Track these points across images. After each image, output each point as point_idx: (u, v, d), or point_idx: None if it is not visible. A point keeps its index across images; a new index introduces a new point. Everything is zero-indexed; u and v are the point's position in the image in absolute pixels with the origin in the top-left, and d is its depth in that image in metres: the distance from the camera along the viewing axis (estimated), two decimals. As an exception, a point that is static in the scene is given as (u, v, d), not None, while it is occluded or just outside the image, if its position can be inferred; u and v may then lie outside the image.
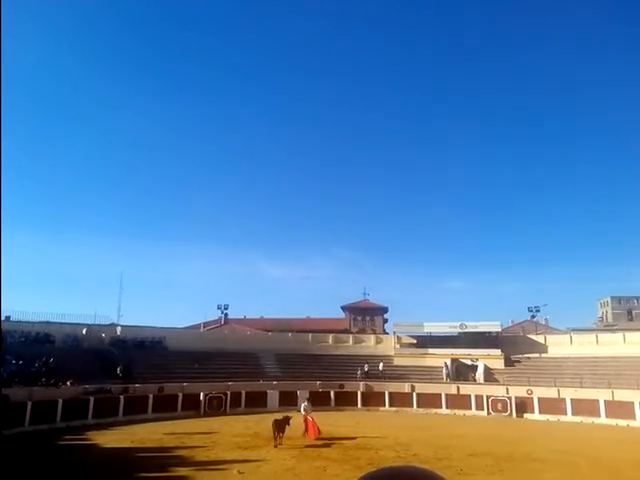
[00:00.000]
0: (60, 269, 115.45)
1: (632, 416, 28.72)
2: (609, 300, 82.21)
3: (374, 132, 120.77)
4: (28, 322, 33.94)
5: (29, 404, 23.48)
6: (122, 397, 27.81)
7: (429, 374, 38.92)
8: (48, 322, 34.77)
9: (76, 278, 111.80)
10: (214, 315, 61.29)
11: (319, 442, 20.86)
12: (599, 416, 29.76)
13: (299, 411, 23.18)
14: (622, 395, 30.18)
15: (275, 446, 19.73)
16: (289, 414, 21.79)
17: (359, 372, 38.48)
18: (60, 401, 24.80)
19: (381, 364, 39.60)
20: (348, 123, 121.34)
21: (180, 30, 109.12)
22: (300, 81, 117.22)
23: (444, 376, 38.42)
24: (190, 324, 58.14)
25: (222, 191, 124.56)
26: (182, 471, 15.51)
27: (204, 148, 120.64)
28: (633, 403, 28.99)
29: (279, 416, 21.26)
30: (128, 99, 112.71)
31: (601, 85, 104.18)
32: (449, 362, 39.31)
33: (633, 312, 78.69)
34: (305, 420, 22.13)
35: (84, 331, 35.08)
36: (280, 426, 20.43)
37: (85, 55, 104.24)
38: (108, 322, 41.19)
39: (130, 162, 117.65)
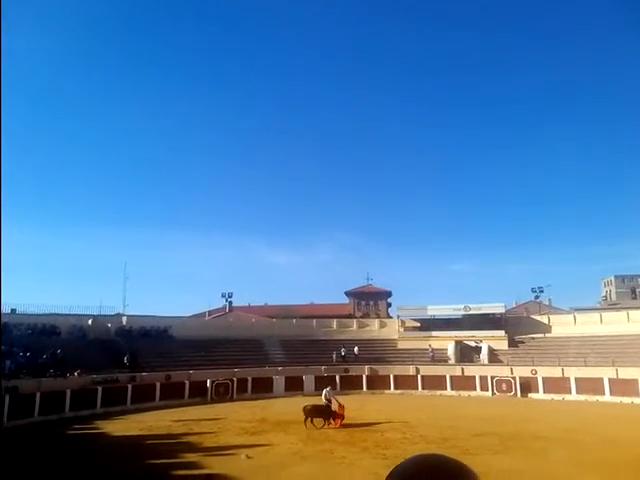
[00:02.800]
0: (64, 262, 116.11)
1: (636, 393, 28.87)
2: (612, 279, 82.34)
3: (375, 113, 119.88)
4: (34, 314, 34.14)
5: (38, 395, 23.73)
6: (130, 386, 28.09)
7: (433, 356, 39.18)
8: (54, 314, 34.97)
9: (81, 270, 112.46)
10: (219, 303, 61.64)
11: (325, 426, 21.02)
12: (603, 394, 29.93)
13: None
14: (626, 373, 30.32)
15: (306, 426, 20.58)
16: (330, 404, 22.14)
17: (334, 356, 38.63)
18: (68, 391, 25.06)
19: (356, 348, 39.68)
20: (350, 104, 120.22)
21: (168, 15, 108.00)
22: (301, 63, 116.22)
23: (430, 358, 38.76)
24: (195, 312, 58.56)
25: (223, 179, 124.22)
26: (191, 457, 15.71)
27: (204, 136, 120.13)
28: (637, 380, 29.12)
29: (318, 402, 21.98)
30: (124, 91, 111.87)
31: (606, 65, 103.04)
32: (452, 345, 39.53)
33: (637, 290, 78.80)
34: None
35: (90, 322, 35.31)
36: (314, 412, 21.07)
37: (74, 46, 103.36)
38: (113, 312, 41.43)
39: (129, 153, 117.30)
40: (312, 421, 20.92)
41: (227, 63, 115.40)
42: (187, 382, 30.59)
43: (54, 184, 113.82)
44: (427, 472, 0.83)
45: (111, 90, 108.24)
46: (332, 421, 21.07)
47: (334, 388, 26.11)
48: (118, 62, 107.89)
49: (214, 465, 14.50)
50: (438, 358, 38.93)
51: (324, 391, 22.63)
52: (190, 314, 56.29)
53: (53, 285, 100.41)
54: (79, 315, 35.84)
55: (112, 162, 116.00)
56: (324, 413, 21.23)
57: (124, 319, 38.60)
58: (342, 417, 21.42)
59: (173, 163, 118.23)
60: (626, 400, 28.74)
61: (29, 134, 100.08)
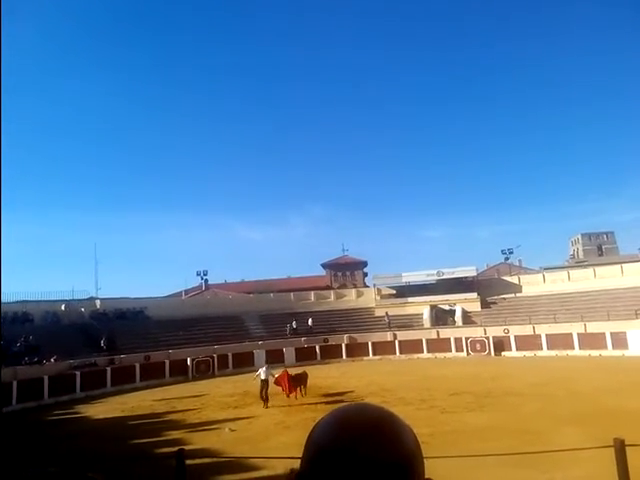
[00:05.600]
0: (33, 248, 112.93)
1: (604, 346, 30.11)
2: (580, 237, 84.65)
3: (345, 77, 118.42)
4: (4, 303, 33.30)
5: (14, 383, 23.44)
6: (109, 369, 27.90)
7: (410, 321, 40.00)
8: (25, 301, 34.22)
9: (50, 256, 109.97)
10: (194, 282, 61.40)
11: (308, 396, 21.30)
12: (573, 349, 31.13)
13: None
14: (594, 327, 31.53)
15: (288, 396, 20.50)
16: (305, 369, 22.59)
17: (288, 328, 38.88)
18: (46, 378, 24.78)
19: (310, 319, 39.88)
20: (317, 71, 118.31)
21: None
22: (272, 28, 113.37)
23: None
24: (171, 292, 58.12)
25: (190, 157, 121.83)
26: (175, 434, 15.76)
27: (170, 114, 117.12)
28: (604, 334, 30.34)
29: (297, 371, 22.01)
30: (93, 72, 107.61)
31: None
32: (427, 309, 40.35)
33: (603, 247, 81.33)
34: (278, 381, 21.01)
35: (63, 307, 34.71)
36: (297, 380, 21.20)
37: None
38: (87, 296, 40.77)
39: (95, 135, 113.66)
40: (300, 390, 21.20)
41: (192, 34, 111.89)
42: (167, 361, 30.55)
43: (18, 169, 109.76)
44: (346, 418, 0.84)
45: (77, 70, 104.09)
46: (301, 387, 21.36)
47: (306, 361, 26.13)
48: (82, 38, 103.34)
49: (197, 440, 14.59)
50: (415, 323, 39.77)
51: (261, 369, 20.53)
52: (166, 294, 55.93)
53: (22, 272, 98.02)
54: (51, 301, 35.16)
55: (78, 145, 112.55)
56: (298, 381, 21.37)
57: (97, 302, 38.07)
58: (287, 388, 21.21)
59: (140, 143, 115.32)
60: (594, 353, 29.96)
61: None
